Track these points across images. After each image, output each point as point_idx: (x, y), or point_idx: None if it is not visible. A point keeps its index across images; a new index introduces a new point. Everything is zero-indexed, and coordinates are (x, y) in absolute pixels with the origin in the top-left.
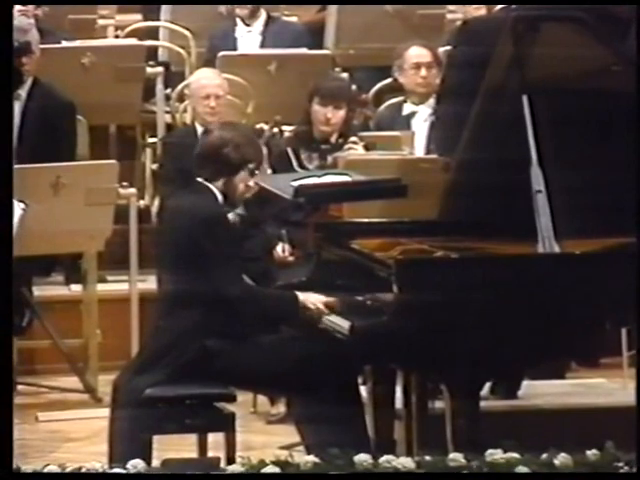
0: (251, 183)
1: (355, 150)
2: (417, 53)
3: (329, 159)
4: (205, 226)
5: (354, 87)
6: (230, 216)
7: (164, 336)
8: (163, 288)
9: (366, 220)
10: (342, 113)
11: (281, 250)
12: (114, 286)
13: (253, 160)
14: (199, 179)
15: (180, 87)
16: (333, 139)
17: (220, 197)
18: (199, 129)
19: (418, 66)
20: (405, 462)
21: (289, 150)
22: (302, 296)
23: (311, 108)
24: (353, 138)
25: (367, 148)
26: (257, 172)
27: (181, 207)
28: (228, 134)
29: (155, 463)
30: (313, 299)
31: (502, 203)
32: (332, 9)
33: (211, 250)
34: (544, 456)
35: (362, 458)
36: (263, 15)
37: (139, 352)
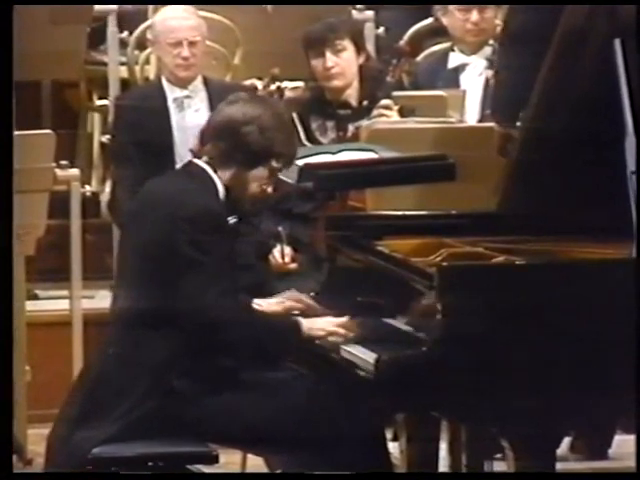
0: (269, 189)
1: (387, 117)
2: None
3: (350, 129)
4: (193, 227)
5: (381, 29)
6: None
7: (119, 373)
8: (119, 306)
9: (398, 213)
10: (347, 55)
11: (279, 254)
12: (49, 304)
13: (281, 154)
14: (198, 161)
15: (140, 30)
16: (354, 101)
17: (222, 192)
18: (167, 87)
19: (467, 4)
20: None
21: (294, 116)
22: (307, 323)
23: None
24: (384, 101)
25: (402, 114)
26: (281, 173)
27: (163, 194)
28: (255, 110)
29: None
30: (321, 324)
31: (583, 189)
32: None
33: (195, 259)
34: None
35: None
36: None
37: (83, 395)
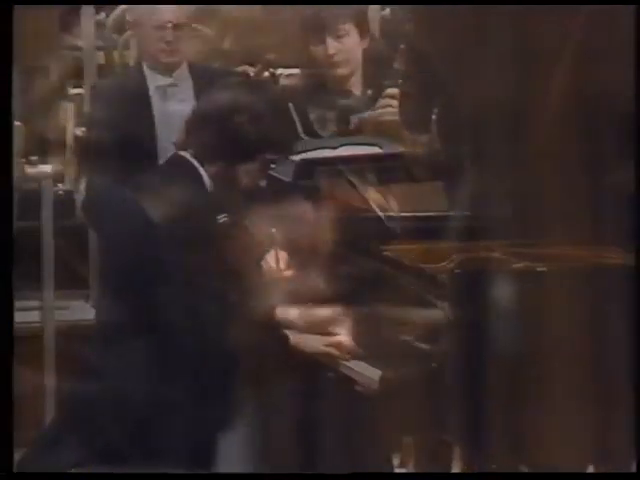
0: (262, 183)
1: (393, 108)
2: None
3: (352, 121)
4: (176, 228)
5: (387, 10)
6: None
7: (94, 390)
8: (102, 316)
9: (406, 214)
10: (350, 40)
11: (273, 260)
12: (18, 316)
13: (276, 145)
14: (183, 153)
15: (119, 11)
16: (357, 90)
17: (210, 187)
18: (149, 75)
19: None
20: None
21: (291, 107)
22: (295, 339)
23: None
24: (391, 89)
25: None
26: (274, 165)
27: (138, 194)
28: (247, 97)
29: None
30: (312, 342)
31: (609, 190)
32: None
33: (176, 263)
34: None
35: None
36: None
37: (57, 414)
